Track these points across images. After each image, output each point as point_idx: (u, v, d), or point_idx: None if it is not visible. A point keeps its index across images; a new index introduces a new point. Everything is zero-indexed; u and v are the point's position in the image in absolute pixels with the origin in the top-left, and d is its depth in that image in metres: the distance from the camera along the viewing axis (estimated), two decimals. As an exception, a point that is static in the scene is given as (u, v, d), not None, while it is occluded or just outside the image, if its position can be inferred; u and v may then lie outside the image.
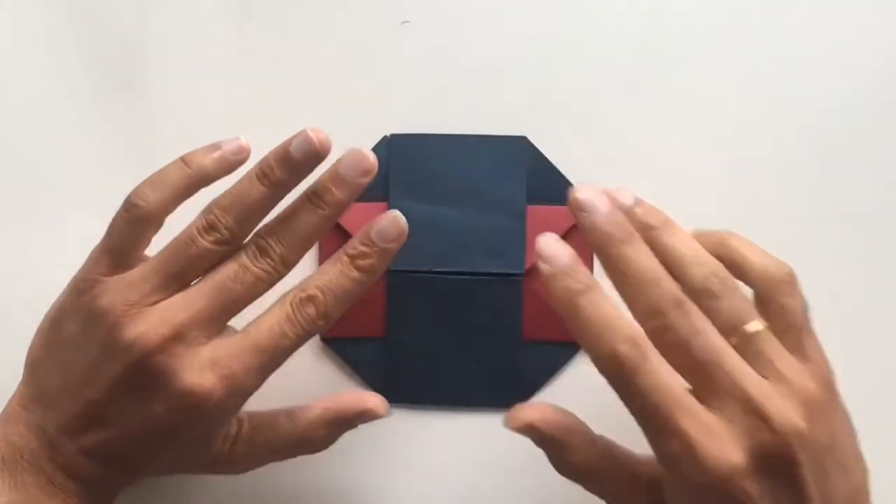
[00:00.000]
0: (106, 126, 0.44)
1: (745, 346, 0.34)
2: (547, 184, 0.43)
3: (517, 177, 0.43)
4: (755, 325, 0.34)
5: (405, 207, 0.43)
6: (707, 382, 0.33)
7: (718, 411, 0.33)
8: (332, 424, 0.39)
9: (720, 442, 0.32)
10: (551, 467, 0.43)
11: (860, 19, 0.43)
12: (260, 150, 0.44)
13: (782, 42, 0.43)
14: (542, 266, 0.34)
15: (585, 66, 0.43)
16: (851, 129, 0.43)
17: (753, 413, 0.32)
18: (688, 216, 0.43)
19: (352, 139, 0.43)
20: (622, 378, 0.33)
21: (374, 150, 0.43)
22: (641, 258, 0.34)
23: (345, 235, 0.43)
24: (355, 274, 0.37)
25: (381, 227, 0.37)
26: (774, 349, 0.34)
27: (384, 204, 0.43)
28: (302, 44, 0.44)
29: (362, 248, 0.37)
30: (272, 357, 0.36)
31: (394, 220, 0.37)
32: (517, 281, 0.43)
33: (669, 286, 0.33)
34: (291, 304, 0.36)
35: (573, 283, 0.34)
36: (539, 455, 0.44)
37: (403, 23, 0.44)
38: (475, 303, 0.43)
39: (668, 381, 0.33)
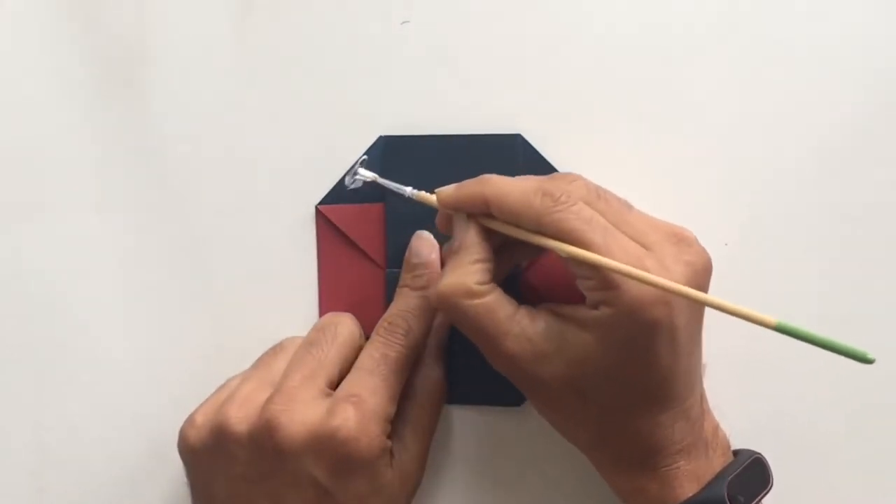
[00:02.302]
0: (106, 126, 0.44)
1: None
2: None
3: (511, 174, 0.43)
4: None
5: (401, 208, 0.43)
6: (621, 226, 0.36)
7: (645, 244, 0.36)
8: (431, 362, 0.42)
9: (661, 265, 0.35)
10: (550, 464, 0.44)
11: (860, 20, 0.43)
12: (258, 148, 0.44)
13: (782, 42, 0.43)
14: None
15: (582, 65, 0.43)
16: (851, 130, 0.43)
17: (679, 242, 0.36)
18: (686, 215, 0.43)
19: (351, 138, 0.44)
20: (542, 220, 0.36)
21: (370, 150, 0.43)
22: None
23: (342, 235, 0.44)
24: (417, 293, 0.41)
25: (414, 250, 0.42)
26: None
27: (381, 205, 0.43)
28: (301, 44, 0.44)
29: (412, 274, 0.41)
30: (384, 374, 0.39)
31: (419, 236, 0.42)
32: (514, 278, 0.43)
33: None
34: (380, 334, 0.40)
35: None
36: (538, 452, 0.44)
37: (403, 23, 0.44)
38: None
39: (589, 212, 0.35)
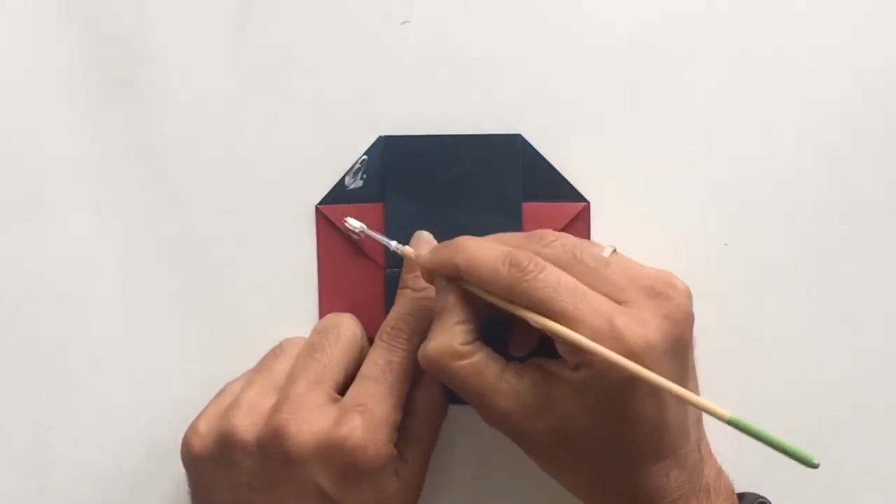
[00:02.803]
0: (106, 126, 0.44)
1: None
2: (542, 181, 0.43)
3: (512, 175, 0.43)
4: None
5: (401, 208, 0.43)
6: (597, 285, 0.36)
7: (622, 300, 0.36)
8: (431, 377, 0.41)
9: (635, 321, 0.34)
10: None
11: (860, 20, 0.43)
12: (258, 148, 0.44)
13: (782, 42, 0.43)
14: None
15: (583, 65, 0.43)
16: (852, 130, 0.43)
17: (657, 296, 0.36)
18: (686, 215, 0.43)
19: (351, 138, 0.44)
20: (511, 291, 0.36)
21: (370, 150, 0.43)
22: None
23: (342, 235, 0.44)
24: (418, 294, 0.41)
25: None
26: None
27: (381, 205, 0.43)
28: (301, 44, 0.44)
29: (413, 275, 0.41)
30: (390, 382, 0.39)
31: (418, 237, 0.42)
32: None
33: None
34: (383, 339, 0.40)
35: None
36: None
37: (403, 23, 0.44)
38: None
39: (556, 276, 0.35)
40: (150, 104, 0.44)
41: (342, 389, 0.40)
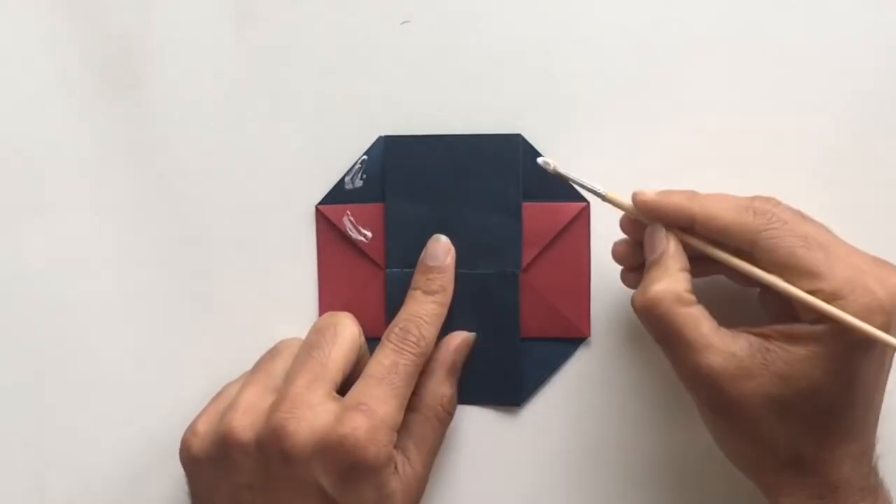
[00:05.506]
0: (106, 126, 0.44)
1: None
2: (542, 181, 0.43)
3: (512, 175, 0.43)
4: None
5: (401, 208, 0.43)
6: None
7: None
8: (443, 378, 0.42)
9: (886, 276, 0.35)
10: (549, 464, 0.44)
11: (860, 19, 0.43)
12: (258, 148, 0.44)
13: (782, 42, 0.43)
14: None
15: (583, 65, 0.43)
16: (851, 129, 0.43)
17: (885, 265, 0.36)
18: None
19: (351, 138, 0.44)
20: (757, 238, 0.36)
21: (370, 150, 0.43)
22: None
23: (342, 235, 0.44)
24: (430, 297, 0.41)
25: (430, 252, 0.42)
26: None
27: (381, 205, 0.43)
28: (301, 44, 0.44)
29: (426, 277, 0.42)
30: (394, 384, 0.39)
31: (436, 240, 0.43)
32: (514, 279, 0.43)
33: None
34: (391, 340, 0.40)
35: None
36: (537, 452, 0.44)
37: (403, 23, 0.44)
38: (473, 302, 0.43)
39: (804, 230, 0.36)
40: (150, 104, 0.44)
41: (340, 388, 0.40)
